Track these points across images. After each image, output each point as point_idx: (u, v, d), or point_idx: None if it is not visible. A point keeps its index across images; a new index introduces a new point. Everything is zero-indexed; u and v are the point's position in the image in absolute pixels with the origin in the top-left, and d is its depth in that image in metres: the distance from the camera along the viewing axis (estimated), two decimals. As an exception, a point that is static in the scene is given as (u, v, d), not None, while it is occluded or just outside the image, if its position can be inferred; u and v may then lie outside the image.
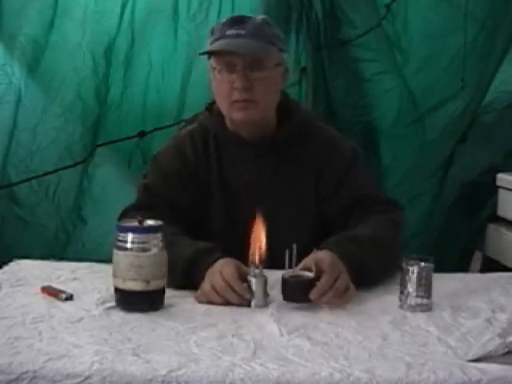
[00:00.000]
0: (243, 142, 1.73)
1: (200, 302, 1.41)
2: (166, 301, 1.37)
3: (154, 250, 1.33)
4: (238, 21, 1.66)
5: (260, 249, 1.40)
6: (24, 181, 2.54)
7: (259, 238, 1.41)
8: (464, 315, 1.35)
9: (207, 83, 2.56)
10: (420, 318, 1.33)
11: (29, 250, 2.45)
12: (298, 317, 1.32)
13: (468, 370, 1.08)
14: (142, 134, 2.61)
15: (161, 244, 1.34)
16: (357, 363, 1.10)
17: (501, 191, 2.62)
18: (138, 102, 2.61)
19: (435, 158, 2.72)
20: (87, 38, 2.52)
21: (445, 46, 2.64)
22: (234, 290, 1.38)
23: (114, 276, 1.34)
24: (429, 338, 1.22)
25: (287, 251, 1.38)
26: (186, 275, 1.46)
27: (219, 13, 2.57)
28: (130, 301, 1.33)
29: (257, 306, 1.37)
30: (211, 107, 1.80)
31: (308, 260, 1.42)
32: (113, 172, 2.63)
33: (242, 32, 1.63)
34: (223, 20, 1.70)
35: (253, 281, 1.38)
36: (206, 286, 1.41)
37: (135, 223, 1.36)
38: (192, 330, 1.23)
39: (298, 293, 1.38)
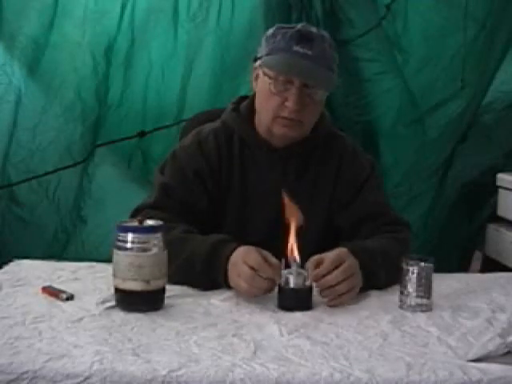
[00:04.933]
0: (270, 148, 1.72)
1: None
2: (166, 301, 1.37)
3: (154, 250, 1.33)
4: (306, 38, 1.61)
5: (295, 246, 1.40)
6: (24, 181, 2.54)
7: (293, 236, 1.41)
8: (464, 315, 1.35)
9: (209, 83, 2.55)
10: (420, 318, 1.33)
11: (29, 250, 2.45)
12: (298, 317, 1.32)
13: (468, 370, 1.08)
14: (141, 134, 2.61)
15: (161, 244, 1.34)
16: (357, 363, 1.10)
17: (501, 191, 2.62)
18: (138, 102, 2.61)
19: (435, 158, 2.72)
20: (87, 37, 2.52)
21: (445, 46, 2.64)
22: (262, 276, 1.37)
23: (114, 276, 1.34)
24: (429, 338, 1.22)
25: (283, 259, 1.38)
26: (206, 270, 1.46)
27: (219, 13, 2.57)
28: (130, 301, 1.33)
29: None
30: (238, 107, 1.77)
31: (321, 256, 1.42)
32: (113, 172, 2.63)
33: (309, 52, 1.60)
34: (288, 29, 1.64)
35: (291, 278, 1.37)
36: (238, 282, 1.40)
37: (135, 223, 1.36)
38: (192, 330, 1.23)
39: (293, 301, 1.37)
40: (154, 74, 2.60)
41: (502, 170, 2.65)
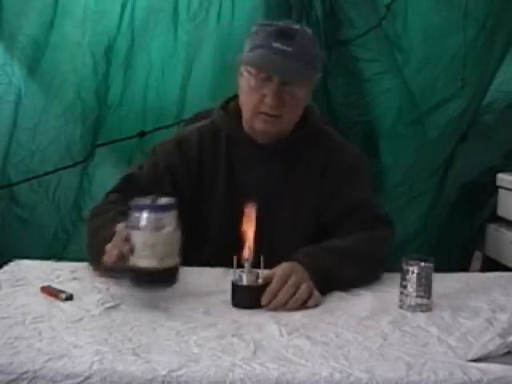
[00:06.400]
0: (257, 144, 1.72)
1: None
2: (166, 301, 1.37)
3: (168, 229, 1.32)
4: (286, 34, 1.61)
5: (250, 245, 1.39)
6: (24, 181, 2.55)
7: (250, 238, 1.40)
8: (464, 315, 1.35)
9: (209, 83, 2.56)
10: (420, 318, 1.33)
11: (29, 250, 2.45)
12: (298, 317, 1.32)
13: (468, 370, 1.08)
14: (141, 134, 2.61)
15: (174, 222, 1.33)
16: (357, 363, 1.10)
17: (501, 191, 2.62)
18: (138, 101, 2.61)
19: (435, 158, 2.72)
20: (87, 37, 2.53)
21: (445, 46, 2.64)
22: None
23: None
24: (429, 338, 1.22)
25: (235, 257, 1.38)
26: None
27: (219, 13, 2.57)
28: (145, 279, 1.32)
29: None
30: (226, 106, 1.78)
31: (270, 272, 1.41)
32: (113, 172, 2.63)
33: (289, 49, 1.60)
34: (270, 26, 1.64)
35: (243, 276, 1.38)
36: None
37: (148, 202, 1.35)
38: (192, 329, 1.23)
39: (246, 298, 1.37)
40: (154, 74, 2.60)
41: (502, 170, 2.65)
